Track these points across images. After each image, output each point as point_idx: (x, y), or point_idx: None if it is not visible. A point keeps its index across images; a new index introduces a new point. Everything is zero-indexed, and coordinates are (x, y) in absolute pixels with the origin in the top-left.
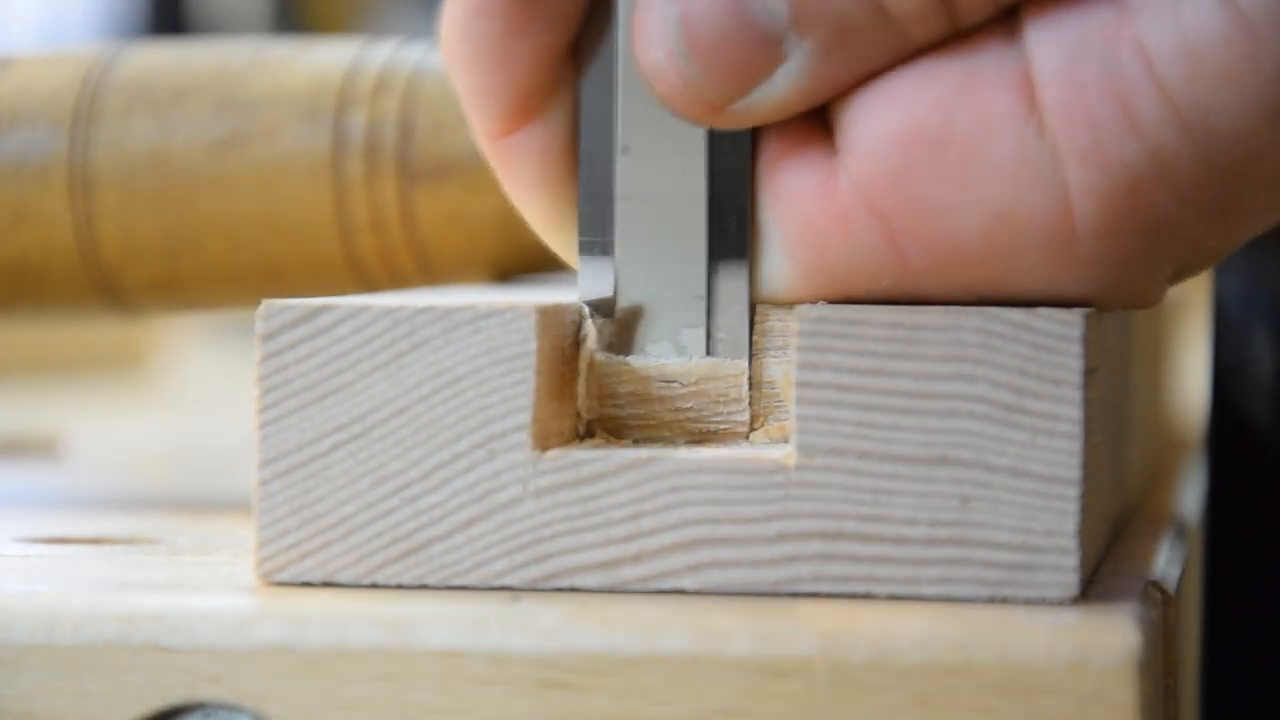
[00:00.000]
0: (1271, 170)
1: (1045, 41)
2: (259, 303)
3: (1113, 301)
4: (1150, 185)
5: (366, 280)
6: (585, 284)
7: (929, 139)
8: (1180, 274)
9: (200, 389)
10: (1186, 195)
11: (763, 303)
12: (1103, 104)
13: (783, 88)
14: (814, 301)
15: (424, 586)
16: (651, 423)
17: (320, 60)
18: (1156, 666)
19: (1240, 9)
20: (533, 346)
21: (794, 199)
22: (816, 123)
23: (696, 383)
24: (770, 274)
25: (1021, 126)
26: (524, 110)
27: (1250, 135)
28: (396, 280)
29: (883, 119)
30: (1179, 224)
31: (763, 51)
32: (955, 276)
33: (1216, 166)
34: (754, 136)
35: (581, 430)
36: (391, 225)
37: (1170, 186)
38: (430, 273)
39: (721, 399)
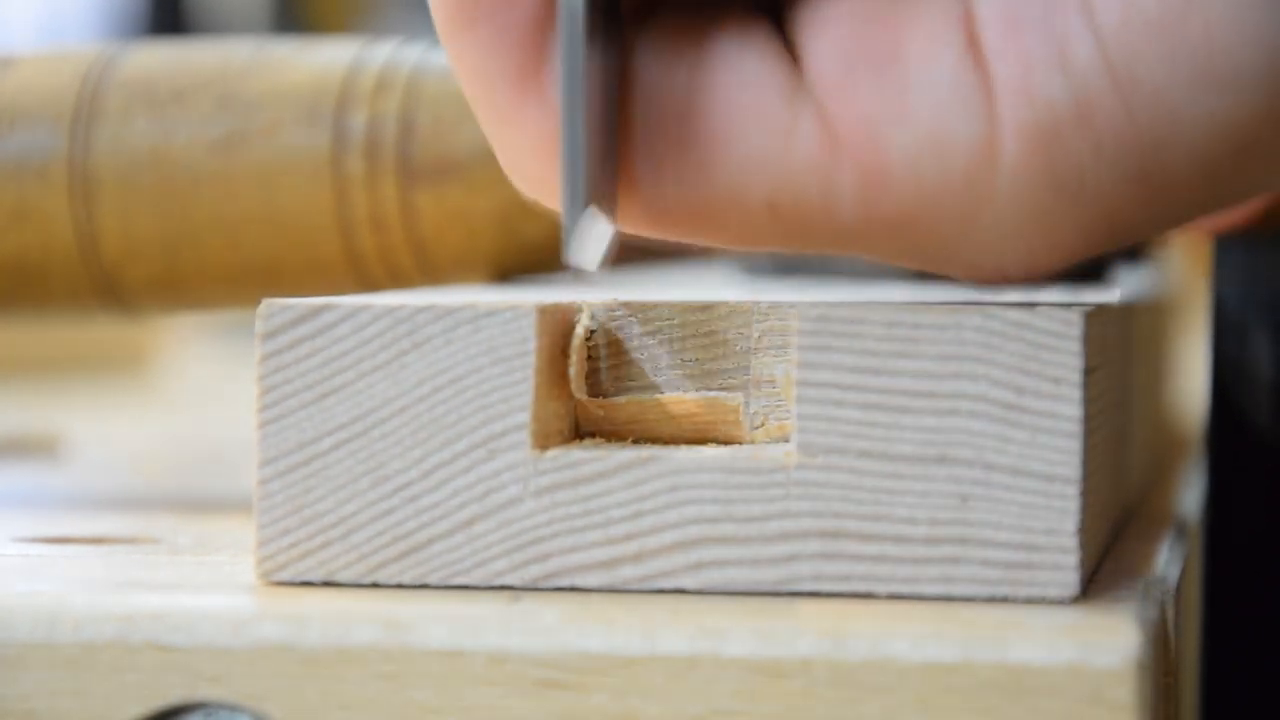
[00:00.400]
0: (1193, 141)
1: None
2: (259, 302)
3: (1019, 261)
4: (1071, 130)
5: (367, 279)
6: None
7: (878, 55)
8: (1091, 251)
9: (200, 389)
10: (1106, 149)
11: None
12: (1038, 40)
13: None
14: (725, 202)
15: (424, 586)
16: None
17: (320, 60)
18: (1156, 666)
19: None
20: (532, 346)
21: (752, 92)
22: (783, 36)
23: (692, 414)
24: (703, 165)
25: (962, 56)
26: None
27: (1171, 95)
28: (397, 279)
29: (837, 31)
30: (1096, 181)
31: None
32: (877, 198)
33: (1137, 123)
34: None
35: (581, 430)
36: (392, 224)
37: (1091, 136)
38: (430, 272)
39: (719, 422)
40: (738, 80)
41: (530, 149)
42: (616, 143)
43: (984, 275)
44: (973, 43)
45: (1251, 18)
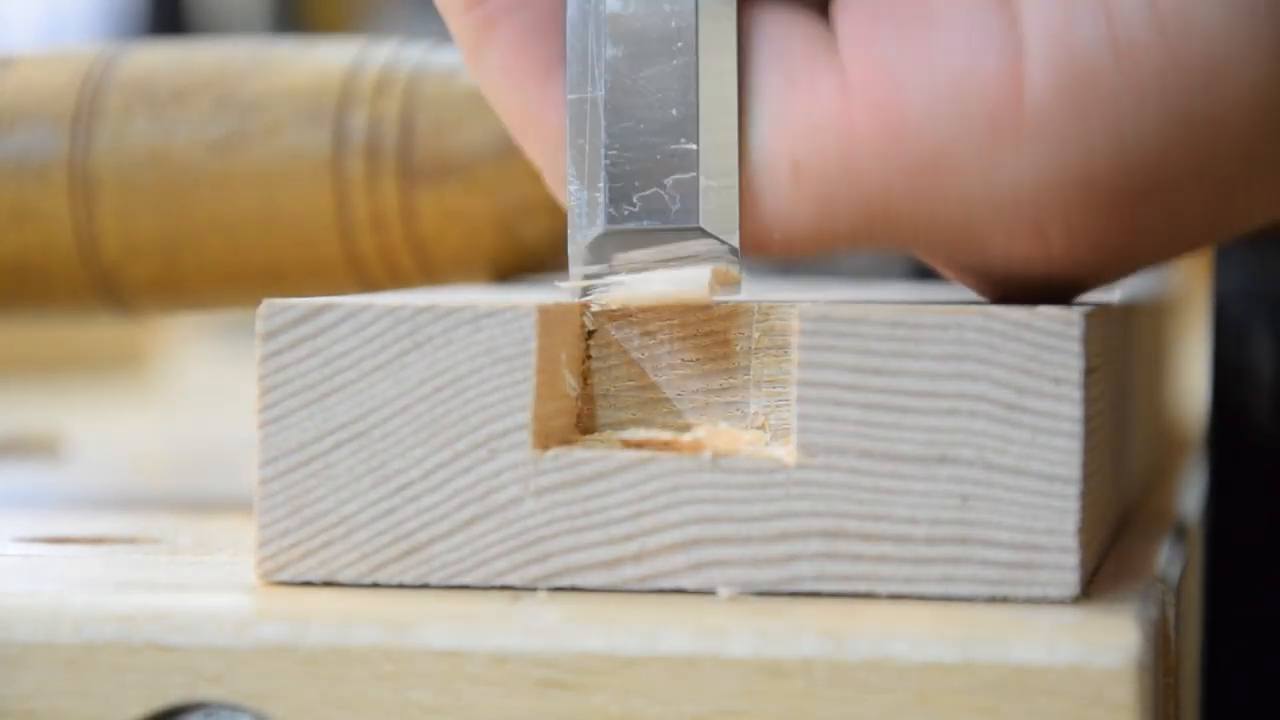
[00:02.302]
0: (1239, 93)
1: None
2: (259, 302)
3: (1056, 225)
4: (1108, 72)
5: (367, 280)
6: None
7: (904, 5)
8: (1138, 237)
9: (200, 389)
10: (1145, 89)
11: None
12: None
13: None
14: (753, 168)
15: (425, 586)
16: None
17: (320, 60)
18: (1156, 666)
19: None
20: (533, 346)
21: (773, 62)
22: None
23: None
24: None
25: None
26: None
27: (1224, 41)
28: (397, 279)
29: None
30: (1136, 123)
31: None
32: (896, 148)
33: (1183, 65)
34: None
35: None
36: (392, 224)
37: (1129, 77)
38: (431, 272)
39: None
40: (765, 41)
41: (560, 145)
42: None
43: (1024, 237)
44: None
45: None
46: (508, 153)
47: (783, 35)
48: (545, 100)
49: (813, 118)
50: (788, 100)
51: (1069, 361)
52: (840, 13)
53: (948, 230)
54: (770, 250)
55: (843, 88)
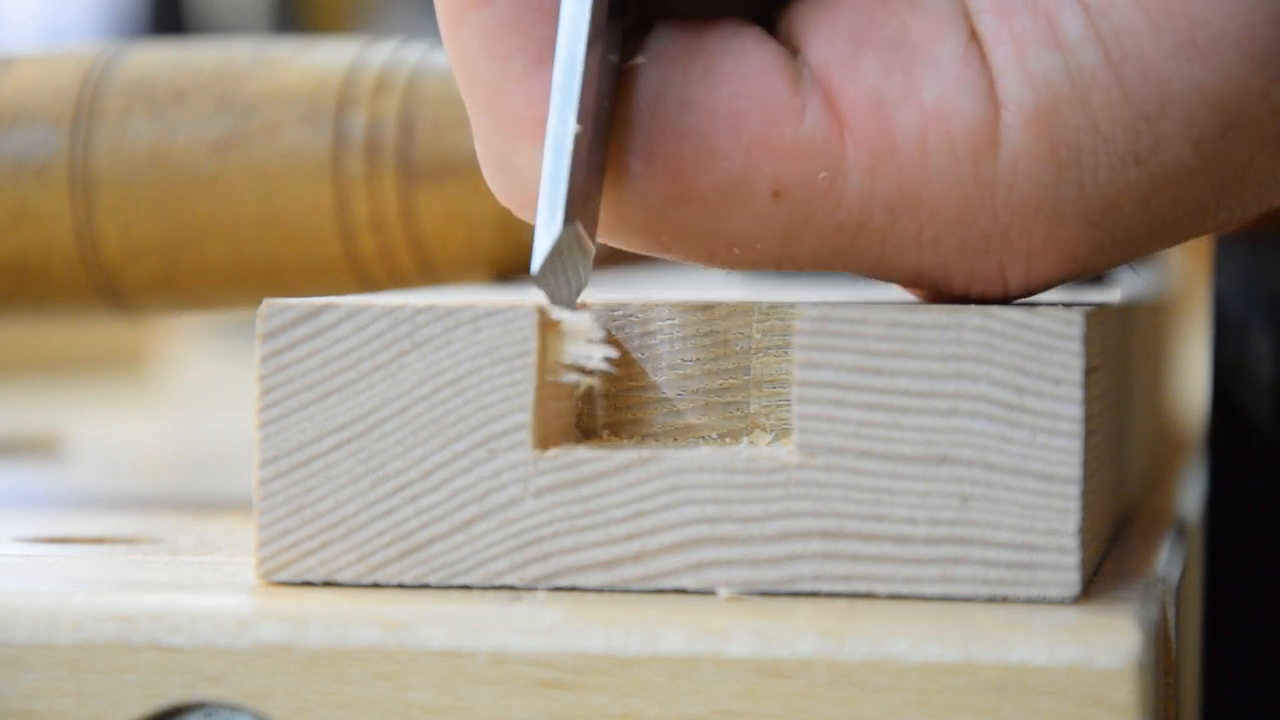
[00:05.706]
0: (1183, 115)
1: None
2: (259, 303)
3: (1020, 260)
4: (1069, 107)
5: (367, 280)
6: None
7: (884, 35)
8: (1092, 257)
9: (200, 389)
10: (1103, 125)
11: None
12: (1028, 19)
13: None
14: (728, 191)
15: (425, 586)
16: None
17: (320, 60)
18: (1157, 666)
19: None
20: (533, 346)
21: (759, 78)
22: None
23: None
24: (708, 153)
25: (967, 42)
26: None
27: (1159, 68)
28: (397, 280)
29: (841, 18)
30: (1094, 162)
31: None
32: (883, 182)
33: (1130, 97)
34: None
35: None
36: (392, 225)
37: (1088, 112)
38: (431, 272)
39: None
40: (744, 67)
41: (531, 142)
42: (606, 159)
43: (984, 278)
44: (972, 31)
45: None
46: None
47: (762, 61)
48: (526, 91)
49: (800, 144)
50: (774, 123)
51: (1069, 361)
52: (811, 36)
53: (909, 267)
54: (724, 265)
55: (833, 118)
